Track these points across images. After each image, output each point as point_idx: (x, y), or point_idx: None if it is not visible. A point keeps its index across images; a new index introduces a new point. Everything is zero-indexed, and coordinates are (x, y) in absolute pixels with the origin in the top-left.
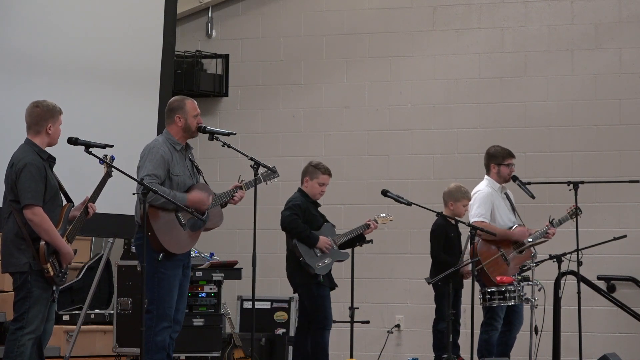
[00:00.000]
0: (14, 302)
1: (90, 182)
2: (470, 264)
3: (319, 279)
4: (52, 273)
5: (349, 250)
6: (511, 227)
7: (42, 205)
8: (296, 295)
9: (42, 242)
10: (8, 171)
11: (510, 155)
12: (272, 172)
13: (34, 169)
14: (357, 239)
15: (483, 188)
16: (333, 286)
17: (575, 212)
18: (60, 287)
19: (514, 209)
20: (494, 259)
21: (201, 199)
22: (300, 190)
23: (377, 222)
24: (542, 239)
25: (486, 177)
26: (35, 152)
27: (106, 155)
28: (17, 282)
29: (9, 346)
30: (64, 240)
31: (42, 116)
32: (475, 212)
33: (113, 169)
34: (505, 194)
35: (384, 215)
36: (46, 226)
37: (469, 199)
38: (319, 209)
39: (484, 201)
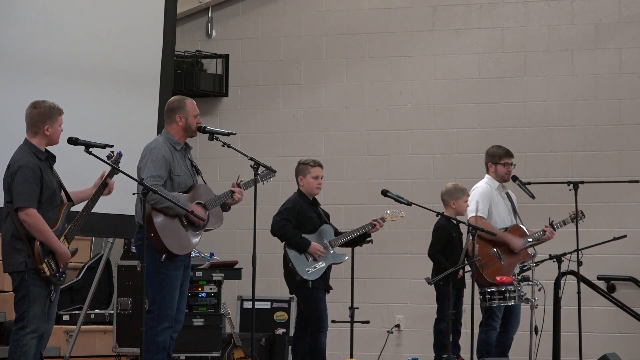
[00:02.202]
0: (15, 303)
1: (90, 182)
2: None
3: (308, 284)
4: (48, 273)
5: (347, 252)
6: (507, 228)
7: (36, 206)
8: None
9: (37, 243)
10: (6, 173)
11: (508, 154)
12: (269, 172)
13: (28, 170)
14: (361, 238)
15: (482, 185)
16: (327, 289)
17: (575, 217)
18: (60, 287)
19: (515, 210)
20: (488, 259)
21: (198, 209)
22: (298, 191)
23: (383, 221)
24: (538, 242)
25: (486, 175)
26: (32, 152)
27: (113, 152)
28: (15, 281)
29: (13, 347)
30: (60, 240)
31: (39, 117)
32: (473, 208)
33: (116, 167)
34: (507, 194)
35: (392, 212)
36: (40, 227)
37: (468, 195)
38: (321, 207)
39: (482, 197)
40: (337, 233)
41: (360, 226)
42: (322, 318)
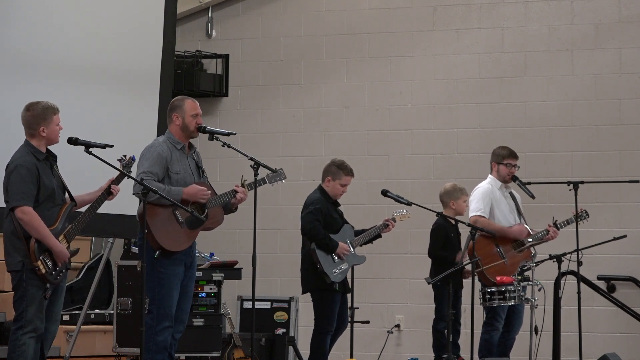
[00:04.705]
0: (14, 302)
1: (90, 182)
2: (470, 265)
3: (335, 286)
4: (43, 271)
5: (365, 254)
6: (511, 227)
7: (32, 204)
8: (296, 295)
9: (32, 240)
10: (4, 173)
11: (511, 155)
12: (278, 175)
13: (24, 170)
14: (374, 239)
15: (483, 184)
16: (347, 290)
17: (576, 216)
18: (56, 286)
19: (519, 210)
20: (491, 258)
21: (198, 190)
22: (321, 188)
23: (394, 221)
24: (542, 241)
25: (489, 175)
26: (31, 153)
27: (125, 156)
28: (14, 280)
29: (11, 347)
30: (57, 239)
31: (33, 120)
32: (474, 207)
33: (125, 172)
34: (510, 193)
35: (400, 212)
36: (35, 224)
37: (467, 195)
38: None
39: (483, 196)
40: (355, 232)
41: (374, 225)
42: (331, 322)
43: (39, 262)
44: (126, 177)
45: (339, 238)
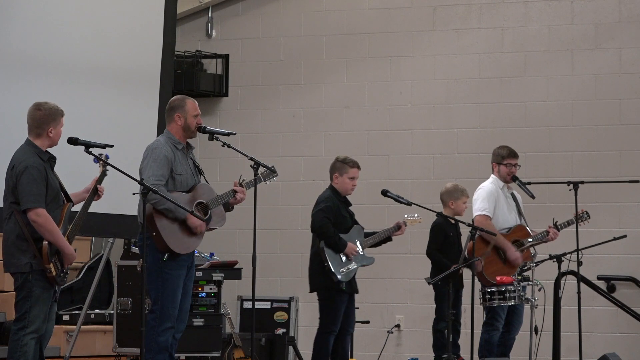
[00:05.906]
0: (15, 302)
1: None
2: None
3: (342, 286)
4: (54, 273)
5: (374, 255)
6: (511, 228)
7: (44, 206)
8: (296, 295)
9: (45, 242)
10: (9, 173)
11: (511, 155)
12: (271, 172)
13: (35, 171)
14: (384, 241)
15: (487, 184)
16: (354, 291)
17: (577, 217)
18: (61, 287)
19: (519, 211)
20: (490, 258)
21: (197, 222)
22: (331, 187)
23: (405, 225)
24: (541, 242)
25: (491, 175)
26: (36, 153)
27: (101, 154)
28: (18, 282)
29: (12, 347)
30: (66, 240)
31: (43, 119)
32: (479, 207)
33: (109, 167)
34: (512, 194)
35: (411, 216)
36: (50, 227)
37: (467, 196)
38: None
39: (487, 196)
40: (365, 234)
41: (386, 228)
42: (336, 322)
43: (51, 265)
44: (126, 176)
45: (348, 238)
